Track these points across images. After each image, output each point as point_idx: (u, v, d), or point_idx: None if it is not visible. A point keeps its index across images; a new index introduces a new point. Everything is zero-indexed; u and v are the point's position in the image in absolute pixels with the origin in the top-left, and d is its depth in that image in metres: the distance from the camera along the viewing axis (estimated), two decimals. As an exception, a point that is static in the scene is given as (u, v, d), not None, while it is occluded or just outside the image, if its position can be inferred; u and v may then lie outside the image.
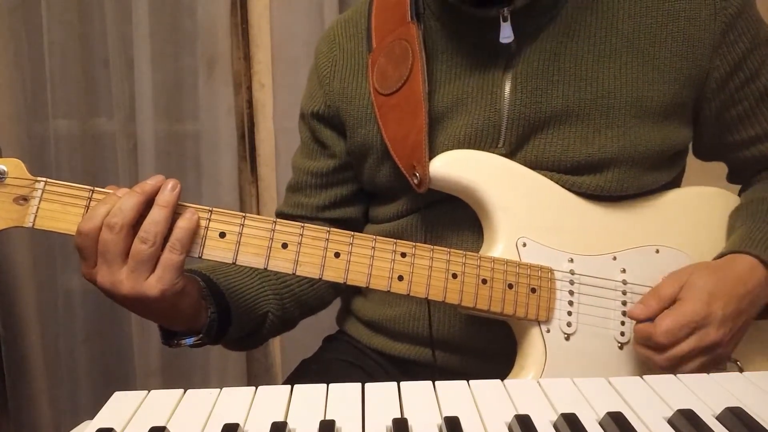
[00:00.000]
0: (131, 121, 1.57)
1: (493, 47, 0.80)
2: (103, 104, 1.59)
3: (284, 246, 0.72)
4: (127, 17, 1.52)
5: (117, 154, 1.59)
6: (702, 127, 0.88)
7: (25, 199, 0.69)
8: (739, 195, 0.94)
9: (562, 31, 0.81)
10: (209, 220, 0.71)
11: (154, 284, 0.68)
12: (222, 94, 1.54)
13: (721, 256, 0.80)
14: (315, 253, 0.73)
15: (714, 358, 0.74)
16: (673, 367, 0.73)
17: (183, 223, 0.69)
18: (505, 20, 0.78)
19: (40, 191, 0.69)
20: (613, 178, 0.81)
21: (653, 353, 0.74)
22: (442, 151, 0.80)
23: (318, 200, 0.96)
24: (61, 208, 0.69)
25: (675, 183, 0.90)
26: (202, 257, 0.71)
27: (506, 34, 0.79)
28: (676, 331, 0.72)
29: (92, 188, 0.70)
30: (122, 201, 0.68)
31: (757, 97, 0.86)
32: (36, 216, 0.69)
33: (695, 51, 0.82)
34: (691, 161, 0.94)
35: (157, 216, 0.68)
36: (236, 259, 0.71)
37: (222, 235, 0.71)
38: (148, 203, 0.69)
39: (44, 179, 0.69)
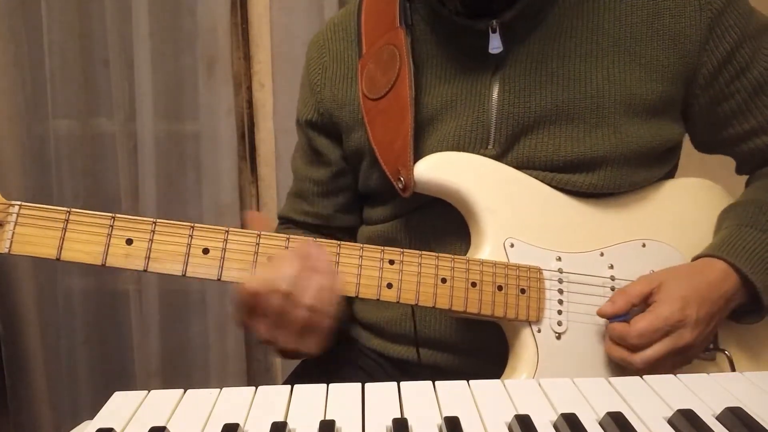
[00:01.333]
0: (131, 121, 1.57)
1: (482, 52, 0.81)
2: (103, 104, 1.60)
3: (270, 260, 0.71)
4: (127, 17, 1.52)
5: (117, 154, 1.60)
6: (694, 123, 0.88)
7: (0, 224, 0.67)
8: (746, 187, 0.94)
9: (549, 34, 0.82)
10: (191, 237, 0.70)
11: (314, 347, 0.72)
12: (222, 94, 1.55)
13: (699, 257, 0.81)
14: None
15: (685, 359, 0.76)
16: (647, 368, 0.74)
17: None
18: (494, 32, 0.79)
19: (14, 215, 0.67)
20: (606, 176, 0.82)
21: (628, 354, 0.75)
22: (432, 154, 0.81)
23: (322, 209, 0.97)
24: (38, 232, 0.67)
25: (668, 178, 0.90)
26: (186, 275, 0.69)
27: (495, 45, 0.80)
28: (650, 333, 0.73)
29: (68, 210, 0.68)
30: (291, 269, 0.69)
31: (750, 90, 0.85)
32: (12, 241, 0.67)
33: (682, 47, 0.82)
34: (691, 154, 0.94)
35: (323, 285, 0.70)
36: (221, 276, 0.70)
37: (205, 251, 0.70)
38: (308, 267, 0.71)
39: (18, 203, 0.67)
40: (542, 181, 0.82)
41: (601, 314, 0.78)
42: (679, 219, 0.86)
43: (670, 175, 0.92)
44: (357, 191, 0.96)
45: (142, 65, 1.52)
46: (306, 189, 0.97)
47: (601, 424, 0.52)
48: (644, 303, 0.77)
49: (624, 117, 0.81)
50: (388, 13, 0.86)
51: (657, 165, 0.86)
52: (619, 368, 0.78)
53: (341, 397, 0.56)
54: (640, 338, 0.73)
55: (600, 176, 0.82)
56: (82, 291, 1.64)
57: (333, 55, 0.92)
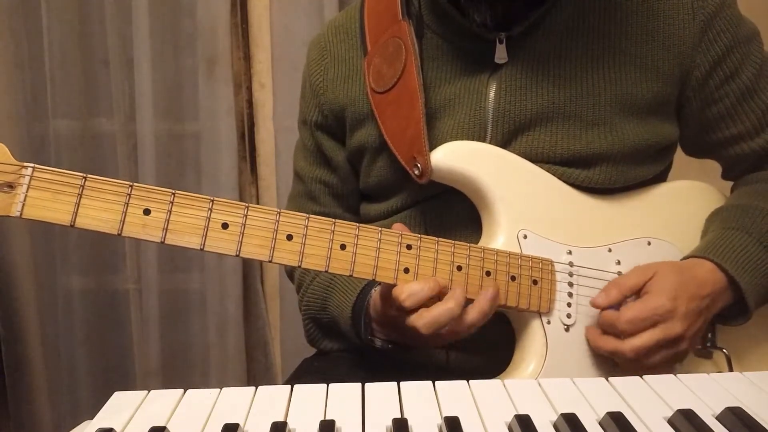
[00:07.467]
0: (131, 121, 1.57)
1: (482, 54, 0.83)
2: (103, 104, 1.59)
3: (289, 238, 0.70)
4: (127, 17, 1.52)
5: (117, 154, 1.59)
6: (686, 125, 0.90)
7: (11, 186, 0.63)
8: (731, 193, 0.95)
9: (546, 36, 0.83)
10: (211, 210, 0.68)
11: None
12: (222, 94, 1.55)
13: (687, 258, 0.83)
14: (320, 245, 0.71)
15: (677, 354, 0.77)
16: (638, 357, 0.75)
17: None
18: (501, 42, 0.82)
19: (27, 178, 0.64)
20: (602, 172, 0.83)
21: (618, 342, 0.76)
22: (449, 142, 0.81)
23: (333, 209, 0.97)
24: (52, 197, 0.64)
25: (661, 178, 0.92)
26: (204, 249, 0.68)
27: (501, 55, 0.83)
28: (638, 321, 0.75)
29: (84, 175, 0.65)
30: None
31: (738, 95, 0.87)
32: (24, 204, 0.63)
33: (677, 49, 0.84)
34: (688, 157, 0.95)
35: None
36: (240, 251, 0.68)
37: (225, 226, 0.68)
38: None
39: (32, 165, 0.64)
40: None
41: (594, 305, 0.79)
42: (682, 220, 0.88)
43: (663, 174, 0.93)
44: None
45: (142, 65, 1.52)
46: (315, 190, 0.97)
47: (601, 424, 0.52)
48: (636, 295, 0.78)
49: (619, 116, 0.83)
50: (390, 9, 0.87)
51: (652, 163, 0.87)
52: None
53: (341, 397, 0.56)
54: (628, 324, 0.75)
55: (596, 172, 0.83)
56: (82, 291, 1.64)
57: (334, 56, 0.92)
